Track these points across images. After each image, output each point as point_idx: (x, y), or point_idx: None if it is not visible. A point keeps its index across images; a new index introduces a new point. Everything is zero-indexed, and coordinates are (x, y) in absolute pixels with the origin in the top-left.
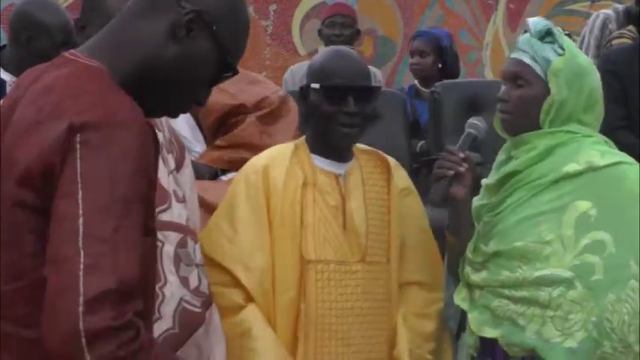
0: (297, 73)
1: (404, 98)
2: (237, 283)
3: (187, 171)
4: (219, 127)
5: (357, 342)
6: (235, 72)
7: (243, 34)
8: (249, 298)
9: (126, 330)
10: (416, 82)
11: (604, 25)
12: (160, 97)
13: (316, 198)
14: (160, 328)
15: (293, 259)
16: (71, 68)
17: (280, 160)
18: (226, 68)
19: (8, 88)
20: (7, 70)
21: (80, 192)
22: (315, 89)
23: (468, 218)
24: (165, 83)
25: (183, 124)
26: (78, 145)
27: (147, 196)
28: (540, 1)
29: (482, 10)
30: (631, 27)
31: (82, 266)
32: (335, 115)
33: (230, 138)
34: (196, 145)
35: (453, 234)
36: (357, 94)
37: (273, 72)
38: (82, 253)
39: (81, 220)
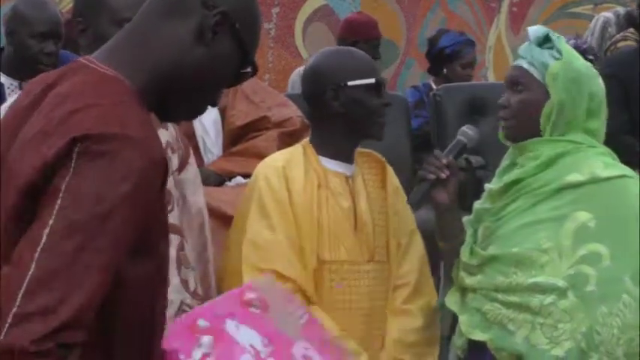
0: None
1: (406, 101)
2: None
3: (191, 169)
4: (240, 135)
5: (361, 342)
6: (255, 68)
7: (259, 28)
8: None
9: (37, 358)
10: (431, 81)
11: (604, 29)
12: (183, 100)
13: (329, 199)
14: None
15: (311, 259)
16: (86, 76)
17: (295, 162)
18: (246, 65)
19: (7, 92)
20: (4, 72)
21: (59, 201)
22: (357, 86)
23: (456, 224)
24: (189, 87)
25: (211, 126)
26: (75, 155)
27: (147, 217)
28: (543, 4)
29: (484, 13)
30: (632, 30)
31: (28, 277)
32: (381, 107)
33: (247, 145)
34: (215, 146)
35: (442, 239)
36: (384, 87)
37: (275, 75)
38: (34, 264)
39: (47, 230)
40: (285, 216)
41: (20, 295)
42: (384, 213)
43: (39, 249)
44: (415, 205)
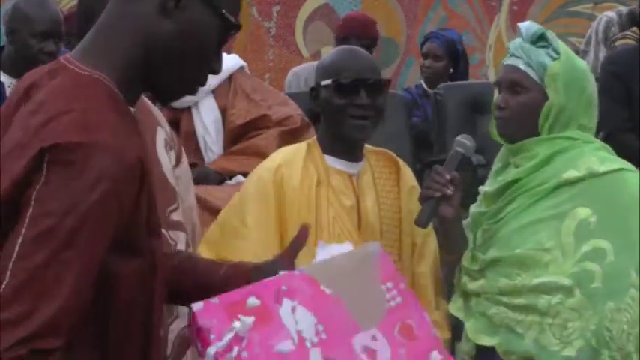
0: (300, 74)
1: (407, 100)
2: None
3: (184, 166)
4: (241, 134)
5: None
6: (239, 27)
7: None
8: None
9: None
10: (422, 81)
11: (607, 28)
12: (173, 77)
13: (330, 198)
14: (177, 326)
15: (309, 259)
16: (63, 79)
17: (294, 160)
18: (228, 26)
19: (7, 90)
20: (5, 71)
21: (30, 210)
22: (325, 85)
23: (459, 233)
24: (172, 62)
25: (212, 125)
26: (45, 166)
27: (124, 220)
28: (543, 3)
29: (485, 12)
30: (635, 28)
31: (3, 287)
32: (346, 107)
33: (248, 144)
34: (216, 145)
35: (447, 252)
36: (367, 86)
37: (276, 73)
38: (8, 273)
39: (20, 240)
40: (264, 217)
41: None
42: (396, 212)
43: (13, 259)
44: (424, 226)
